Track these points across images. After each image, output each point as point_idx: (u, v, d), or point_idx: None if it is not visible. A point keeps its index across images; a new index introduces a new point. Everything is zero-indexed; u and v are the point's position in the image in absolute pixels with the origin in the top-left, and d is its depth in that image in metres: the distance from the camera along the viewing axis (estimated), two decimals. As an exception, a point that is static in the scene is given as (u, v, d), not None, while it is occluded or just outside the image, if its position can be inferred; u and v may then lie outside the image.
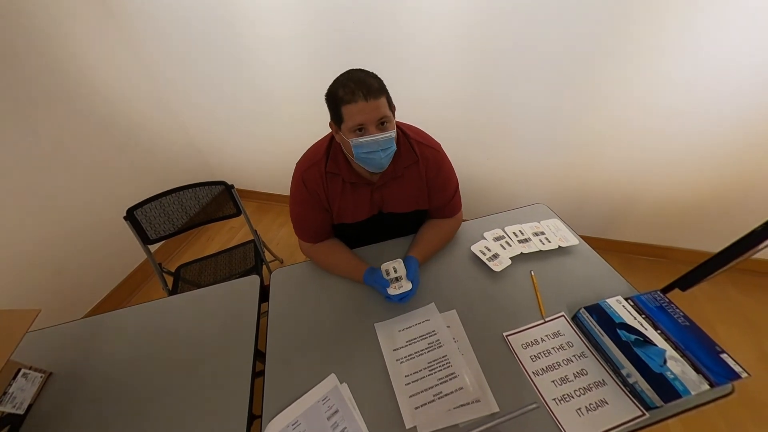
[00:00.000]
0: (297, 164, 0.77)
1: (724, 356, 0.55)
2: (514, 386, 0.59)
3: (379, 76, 0.64)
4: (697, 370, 0.54)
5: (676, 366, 0.55)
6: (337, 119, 0.65)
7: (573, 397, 0.58)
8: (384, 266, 0.71)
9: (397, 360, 0.64)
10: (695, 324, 0.60)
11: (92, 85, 1.39)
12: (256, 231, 1.28)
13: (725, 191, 1.26)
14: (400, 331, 0.69)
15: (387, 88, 0.64)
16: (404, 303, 0.72)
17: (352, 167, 0.74)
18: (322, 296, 0.77)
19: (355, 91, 0.60)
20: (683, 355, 0.56)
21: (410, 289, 0.68)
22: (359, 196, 0.77)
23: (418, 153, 0.75)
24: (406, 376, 0.61)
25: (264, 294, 0.80)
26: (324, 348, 0.67)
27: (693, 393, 0.51)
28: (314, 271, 0.83)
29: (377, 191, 0.77)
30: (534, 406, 0.45)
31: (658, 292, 0.66)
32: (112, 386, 0.66)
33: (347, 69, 0.64)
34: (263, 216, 2.02)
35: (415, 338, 0.67)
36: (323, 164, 0.73)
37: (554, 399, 0.57)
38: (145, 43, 1.52)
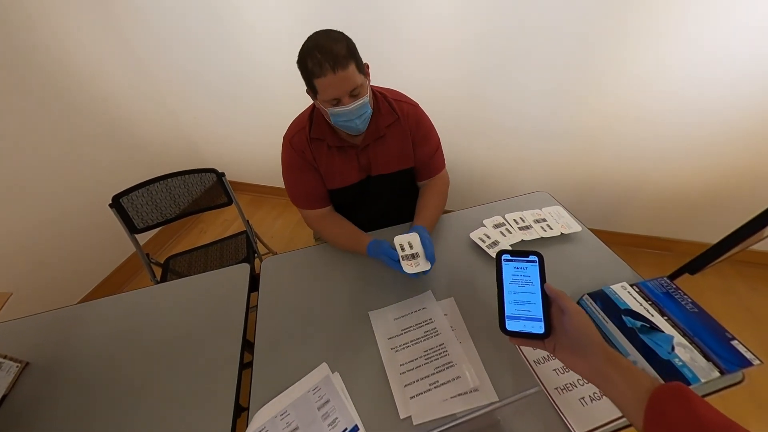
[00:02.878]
0: (284, 136, 0.79)
1: (734, 343, 0.53)
2: (514, 375, 0.58)
3: (345, 34, 0.63)
4: (707, 357, 0.52)
5: (685, 353, 0.53)
6: (311, 89, 0.66)
7: (576, 386, 0.56)
8: (398, 240, 0.69)
9: (392, 349, 0.63)
10: (704, 310, 0.59)
11: (75, 68, 1.35)
12: (248, 221, 1.25)
13: (735, 179, 1.24)
14: (395, 319, 0.68)
15: (355, 47, 0.63)
16: (416, 278, 0.72)
17: (335, 131, 0.76)
18: (314, 285, 0.76)
19: (322, 63, 0.60)
20: (692, 342, 0.54)
21: (428, 269, 0.66)
22: (346, 160, 0.78)
23: (398, 110, 0.78)
24: (401, 365, 0.60)
25: (255, 284, 0.79)
26: (315, 337, 0.66)
27: (703, 380, 0.50)
28: (306, 259, 0.82)
29: (363, 154, 0.79)
30: (535, 389, 0.43)
31: (665, 279, 0.65)
32: (92, 377, 0.64)
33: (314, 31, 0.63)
34: (257, 209, 1.99)
35: (411, 326, 0.66)
36: (308, 131, 0.76)
37: (556, 388, 0.55)
38: (133, 29, 1.48)
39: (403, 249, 0.68)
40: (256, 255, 1.24)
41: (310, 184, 0.80)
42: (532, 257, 0.44)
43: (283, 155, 0.79)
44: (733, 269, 1.43)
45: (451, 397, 0.55)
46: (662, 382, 0.32)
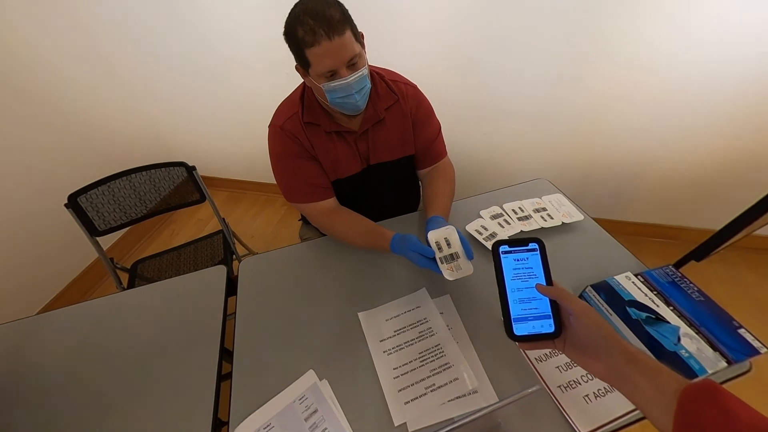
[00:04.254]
0: (271, 123, 0.75)
1: (741, 331, 0.55)
2: (515, 374, 0.58)
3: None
4: (713, 347, 0.54)
5: (691, 344, 0.54)
6: (302, 63, 0.63)
7: (580, 383, 0.57)
8: (434, 236, 0.64)
9: (384, 352, 0.62)
10: (710, 299, 0.60)
11: (29, 55, 1.28)
12: (224, 219, 1.23)
13: (742, 162, 1.27)
14: (387, 320, 0.67)
15: (349, 13, 0.60)
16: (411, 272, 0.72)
17: (330, 115, 0.74)
18: (298, 286, 0.75)
19: (315, 30, 0.56)
20: (698, 332, 0.56)
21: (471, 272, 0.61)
22: (345, 148, 0.77)
23: (397, 91, 0.77)
24: (394, 369, 0.60)
25: (233, 288, 0.77)
26: (301, 342, 0.65)
27: (709, 371, 0.51)
28: (289, 259, 0.81)
29: (361, 140, 0.77)
30: (535, 388, 0.44)
31: (671, 267, 0.67)
32: (53, 396, 0.62)
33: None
34: (234, 206, 1.96)
35: (405, 327, 0.66)
36: (300, 115, 0.72)
37: (559, 386, 0.56)
38: (95, 14, 1.41)
39: (440, 248, 0.63)
40: (234, 256, 1.22)
41: (311, 174, 0.76)
42: (532, 245, 0.43)
43: (273, 144, 0.75)
44: (739, 256, 1.48)
45: (449, 401, 0.55)
46: (688, 380, 0.31)
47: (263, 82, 1.50)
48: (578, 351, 0.39)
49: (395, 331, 0.65)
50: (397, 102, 0.77)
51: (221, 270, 0.80)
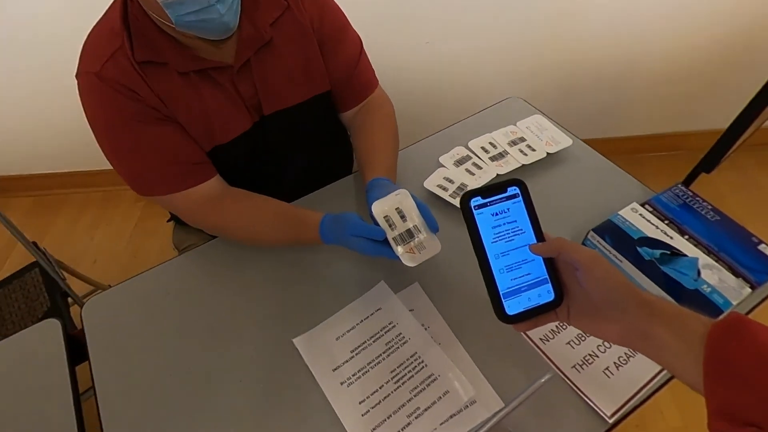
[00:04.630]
0: (79, 71, 0.70)
1: (762, 247, 0.69)
2: (519, 366, 0.65)
3: None
4: (735, 273, 0.66)
5: (712, 275, 0.66)
6: None
7: (596, 356, 0.65)
8: (380, 208, 0.65)
9: (341, 383, 0.64)
10: (726, 216, 0.73)
11: None
12: (36, 244, 1.12)
13: (743, 44, 1.48)
14: (337, 338, 0.69)
15: None
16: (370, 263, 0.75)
17: (180, 44, 0.70)
18: (189, 323, 0.73)
19: None
20: (718, 260, 0.68)
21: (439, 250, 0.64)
22: (218, 95, 0.74)
23: None
24: (360, 403, 0.62)
25: (80, 350, 0.73)
26: (212, 410, 0.64)
27: (734, 303, 0.63)
28: (166, 284, 0.78)
29: (242, 79, 0.75)
30: (547, 377, 0.49)
31: (680, 186, 0.79)
32: None
33: None
34: (51, 218, 1.84)
35: (365, 342, 0.68)
36: (129, 51, 0.67)
37: (573, 366, 0.64)
38: None
39: (391, 224, 0.64)
40: (69, 299, 1.16)
41: (170, 146, 0.73)
42: (511, 190, 0.45)
43: (92, 107, 0.70)
44: (749, 156, 1.80)
45: (442, 423, 0.60)
46: (712, 320, 0.37)
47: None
48: (587, 316, 0.43)
49: (352, 351, 0.67)
50: (288, 10, 0.75)
51: (52, 326, 0.76)
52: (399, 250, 0.63)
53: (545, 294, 0.44)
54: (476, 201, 0.44)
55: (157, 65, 0.68)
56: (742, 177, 1.76)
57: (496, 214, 0.45)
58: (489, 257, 0.44)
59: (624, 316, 0.40)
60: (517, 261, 0.44)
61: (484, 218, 0.44)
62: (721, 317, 0.37)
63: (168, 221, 1.06)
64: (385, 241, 0.64)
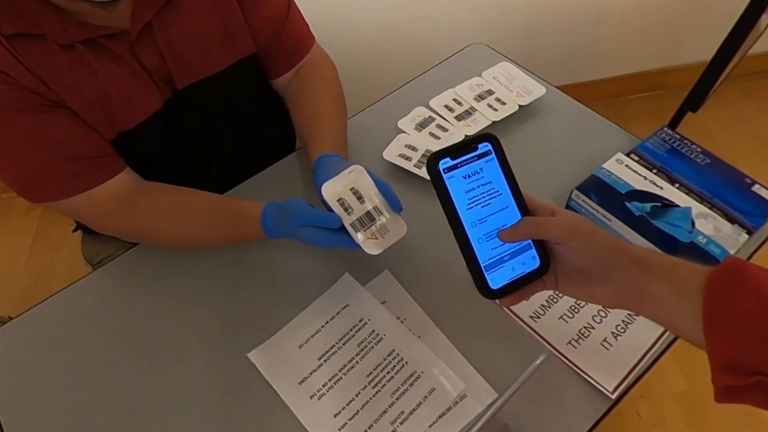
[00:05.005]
0: None
1: (756, 188, 0.74)
2: (511, 350, 0.68)
3: None
4: (731, 220, 0.71)
5: (707, 224, 0.71)
6: None
7: (592, 328, 0.69)
8: (331, 190, 0.64)
9: (310, 397, 0.65)
10: (717, 158, 0.79)
11: None
12: None
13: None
14: (300, 346, 0.70)
15: None
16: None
17: (61, 9, 0.66)
18: (114, 352, 0.71)
19: None
20: (712, 207, 0.73)
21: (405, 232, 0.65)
22: (116, 69, 0.71)
23: None
24: (335, 416, 0.63)
25: None
26: None
27: (732, 252, 0.68)
28: (80, 307, 0.77)
29: (143, 48, 0.72)
30: (542, 358, 0.51)
31: (666, 130, 0.83)
32: None
33: None
34: None
35: (334, 345, 0.69)
36: None
37: (569, 342, 0.68)
38: None
39: (347, 208, 0.64)
40: None
41: (62, 138, 0.70)
42: (483, 147, 0.46)
43: None
44: (735, 89, 1.93)
45: (431, 426, 0.62)
46: (708, 267, 0.39)
47: None
48: (577, 281, 0.45)
49: (320, 359, 0.68)
50: None
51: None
52: (359, 237, 0.63)
53: (530, 261, 0.45)
54: (445, 163, 0.45)
55: (32, 38, 0.64)
56: (726, 110, 1.88)
57: (469, 176, 0.45)
58: (465, 227, 0.45)
59: (615, 277, 0.42)
60: (497, 227, 0.45)
61: (455, 182, 0.45)
62: (718, 264, 0.39)
63: (74, 231, 1.03)
64: (342, 229, 0.64)
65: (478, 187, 0.45)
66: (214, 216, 0.75)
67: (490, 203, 0.45)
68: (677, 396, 1.36)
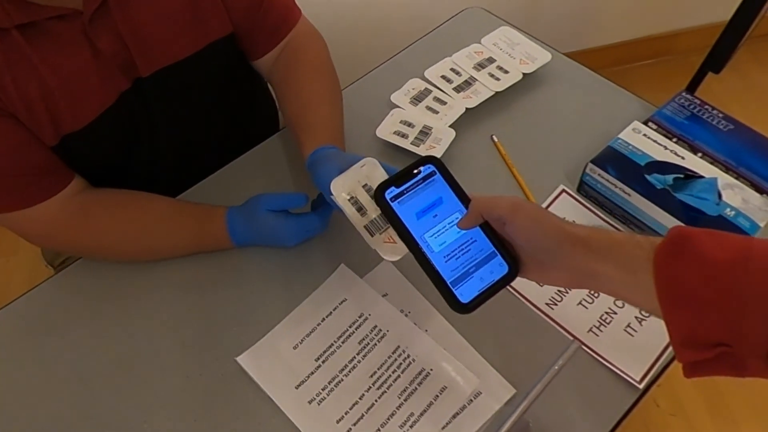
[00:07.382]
0: None
1: None
2: (527, 341, 0.67)
3: None
4: (759, 190, 0.71)
5: (735, 195, 0.71)
6: None
7: (614, 313, 0.69)
8: (341, 186, 0.62)
9: (309, 402, 0.64)
10: (740, 123, 0.78)
11: None
12: None
13: None
14: (295, 347, 0.69)
15: None
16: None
17: None
18: (86, 364, 0.70)
19: None
20: (738, 176, 0.73)
21: None
22: (64, 59, 0.67)
23: None
24: (338, 422, 0.63)
25: None
26: None
27: (762, 225, 0.68)
28: (47, 314, 0.76)
29: (101, 30, 0.68)
30: (574, 347, 0.51)
31: (684, 94, 0.82)
32: None
33: None
34: None
35: (333, 345, 0.68)
36: None
37: (590, 330, 0.68)
38: None
39: (360, 207, 0.62)
40: None
41: (11, 143, 0.66)
42: (425, 169, 0.51)
43: None
44: (747, 53, 1.91)
45: (444, 427, 0.61)
46: (654, 240, 0.42)
47: None
48: (534, 268, 0.49)
49: (317, 360, 0.67)
50: None
51: None
52: (374, 240, 0.62)
53: (498, 268, 0.49)
54: (391, 192, 0.50)
55: None
56: (740, 78, 1.89)
57: (416, 200, 0.51)
58: (423, 248, 0.49)
59: (564, 260, 0.45)
60: (457, 242, 0.50)
61: (405, 208, 0.50)
62: (664, 237, 0.41)
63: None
64: (312, 213, 0.68)
65: (429, 208, 0.51)
66: (176, 220, 0.76)
67: (443, 221, 0.50)
68: (696, 383, 1.38)
